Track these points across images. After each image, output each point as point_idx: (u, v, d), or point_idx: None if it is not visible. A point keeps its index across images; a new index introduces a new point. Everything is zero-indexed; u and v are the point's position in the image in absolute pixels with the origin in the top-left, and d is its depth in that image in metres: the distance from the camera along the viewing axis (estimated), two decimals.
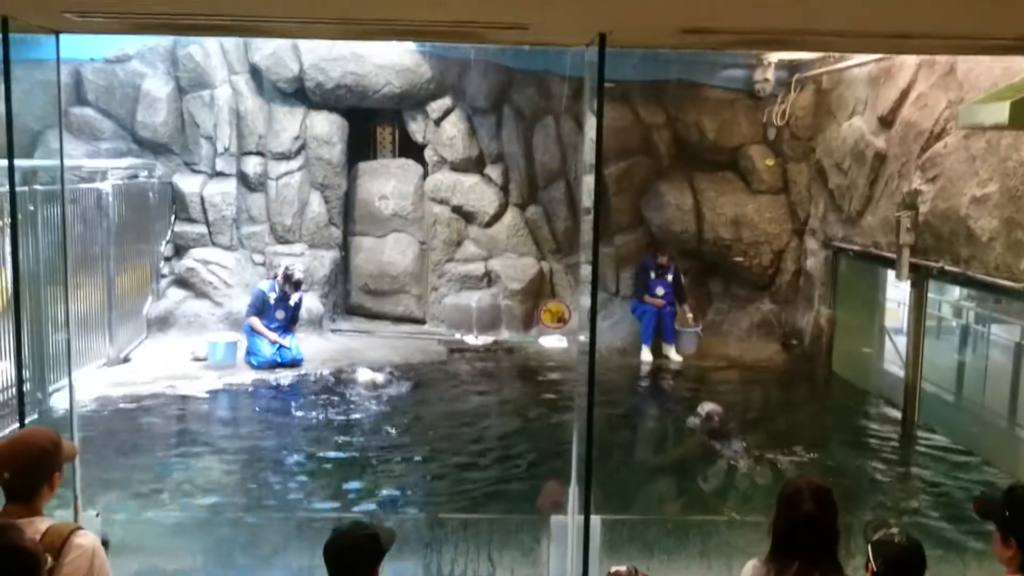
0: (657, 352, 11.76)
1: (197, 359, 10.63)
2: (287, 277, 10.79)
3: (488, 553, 5.40)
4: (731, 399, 9.96)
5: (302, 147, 12.42)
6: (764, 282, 12.54)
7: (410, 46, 12.13)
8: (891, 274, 9.67)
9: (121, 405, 9.14)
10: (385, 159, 13.20)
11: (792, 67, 11.65)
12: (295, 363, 10.64)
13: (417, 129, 12.83)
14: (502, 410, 9.60)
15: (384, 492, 7.15)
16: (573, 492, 4.73)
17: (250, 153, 12.37)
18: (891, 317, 11.19)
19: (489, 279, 12.83)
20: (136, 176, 11.53)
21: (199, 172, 12.37)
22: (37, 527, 3.02)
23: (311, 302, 11.88)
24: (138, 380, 9.87)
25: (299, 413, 9.20)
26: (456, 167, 12.84)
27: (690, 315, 11.97)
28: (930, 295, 9.43)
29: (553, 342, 12.22)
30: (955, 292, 10.12)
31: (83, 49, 11.88)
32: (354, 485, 7.25)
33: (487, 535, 5.43)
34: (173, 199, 12.23)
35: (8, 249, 7.86)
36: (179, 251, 12.27)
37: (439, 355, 11.64)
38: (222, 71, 12.23)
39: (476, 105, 12.69)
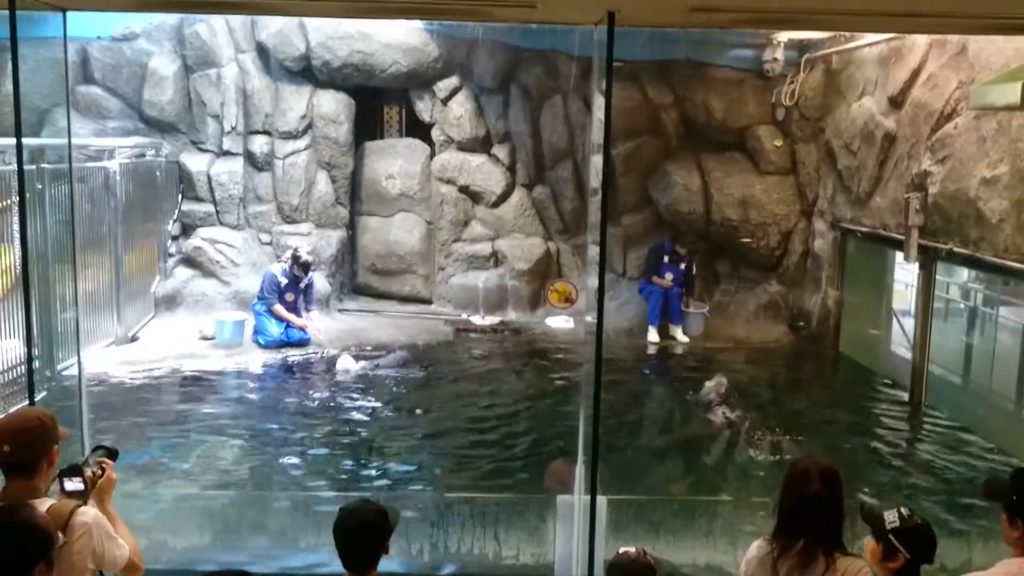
0: (664, 333, 11.76)
1: (204, 338, 10.66)
2: (296, 259, 10.78)
3: (495, 532, 5.43)
4: (737, 379, 9.96)
5: (309, 126, 12.40)
6: (772, 263, 12.52)
7: (417, 25, 12.07)
8: (899, 256, 9.65)
9: (129, 383, 9.19)
10: (392, 138, 13.17)
11: (802, 47, 11.56)
12: (303, 342, 10.67)
13: (424, 108, 12.79)
14: (508, 390, 9.61)
15: (390, 471, 7.19)
16: (579, 472, 4.75)
17: (257, 132, 12.35)
18: (899, 299, 11.17)
19: (496, 259, 12.82)
20: (143, 155, 11.52)
21: (206, 151, 12.35)
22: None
23: (318, 282, 11.87)
24: (146, 359, 9.91)
25: (305, 392, 9.24)
26: (463, 147, 12.80)
27: (695, 307, 11.96)
28: (938, 277, 9.40)
29: (560, 323, 12.23)
30: (964, 274, 10.08)
31: (90, 27, 11.85)
32: (359, 464, 7.28)
33: (493, 514, 5.46)
34: (180, 178, 12.23)
35: (16, 228, 7.91)
36: (186, 230, 12.28)
37: (446, 335, 11.66)
38: (229, 49, 12.19)
39: (483, 84, 12.64)
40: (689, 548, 5.49)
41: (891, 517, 3.13)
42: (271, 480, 6.97)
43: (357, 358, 10.12)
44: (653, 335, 11.69)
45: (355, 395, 9.12)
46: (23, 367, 7.78)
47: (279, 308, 10.66)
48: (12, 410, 4.28)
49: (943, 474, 7.49)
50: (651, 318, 11.74)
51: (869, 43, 10.17)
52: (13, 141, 4.64)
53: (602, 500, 4.60)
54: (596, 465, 4.47)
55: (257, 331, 10.70)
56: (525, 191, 13.02)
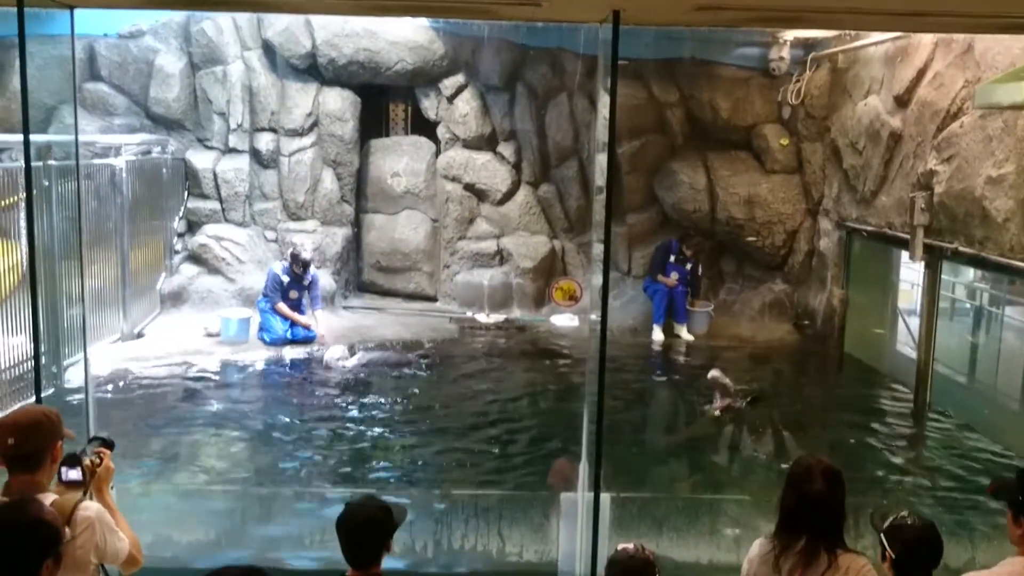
0: (668, 331, 11.76)
1: (210, 335, 10.69)
2: (295, 257, 10.79)
3: (498, 529, 5.44)
4: (742, 378, 9.97)
5: (314, 123, 12.42)
6: (777, 262, 12.51)
7: (423, 23, 12.08)
8: (905, 255, 9.63)
9: (135, 379, 9.22)
10: (398, 136, 13.19)
11: (807, 45, 11.55)
12: (308, 340, 10.70)
13: (430, 106, 12.80)
14: (512, 387, 9.62)
15: (393, 467, 7.21)
16: (583, 469, 4.76)
17: (263, 129, 12.37)
18: (904, 298, 11.15)
19: (501, 257, 12.83)
20: (149, 152, 11.55)
21: (212, 148, 12.38)
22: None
23: (323, 279, 11.89)
24: (151, 355, 9.94)
25: (308, 389, 9.26)
26: (469, 144, 12.81)
27: (700, 306, 11.95)
28: (944, 276, 9.38)
29: (564, 320, 12.23)
30: (969, 273, 10.06)
31: (97, 25, 11.89)
32: (361, 461, 7.30)
33: (497, 511, 5.47)
34: (186, 175, 12.26)
35: (23, 224, 7.93)
36: (192, 227, 12.31)
37: (450, 332, 11.68)
38: (235, 47, 12.21)
39: (489, 82, 12.64)
40: (693, 546, 5.50)
41: (890, 518, 3.16)
42: (274, 477, 6.99)
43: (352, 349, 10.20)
44: (658, 334, 11.69)
45: (358, 392, 9.14)
46: (30, 363, 7.81)
47: (282, 306, 10.69)
48: (17, 406, 4.31)
49: (947, 474, 7.48)
50: (656, 317, 11.74)
51: (875, 42, 10.15)
52: (20, 137, 4.66)
53: (605, 497, 4.61)
54: (600, 462, 4.48)
55: (262, 328, 10.72)
56: (530, 189, 13.02)
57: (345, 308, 12.27)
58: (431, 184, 12.88)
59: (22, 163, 4.61)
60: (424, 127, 13.00)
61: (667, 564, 5.16)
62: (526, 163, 12.96)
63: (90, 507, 3.16)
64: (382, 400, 8.87)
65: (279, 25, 12.02)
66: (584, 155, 12.62)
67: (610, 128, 4.44)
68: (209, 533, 5.49)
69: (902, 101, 9.53)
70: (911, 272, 10.61)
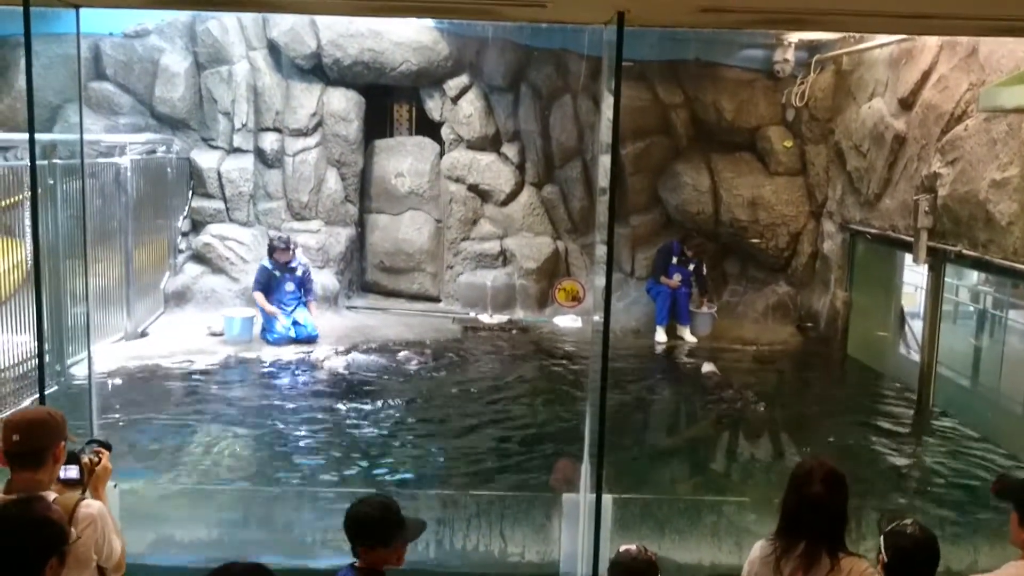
0: (672, 333, 11.75)
1: (213, 334, 10.71)
2: (271, 247, 10.83)
3: (500, 530, 5.44)
4: (745, 380, 9.99)
5: (319, 124, 12.43)
6: (780, 264, 12.50)
7: (428, 23, 12.09)
8: (908, 258, 9.62)
9: (139, 378, 9.23)
10: (402, 136, 13.20)
11: (812, 48, 11.55)
12: (311, 339, 10.71)
13: (434, 107, 12.81)
14: (515, 388, 9.62)
15: (395, 468, 7.22)
16: (585, 470, 4.76)
17: (267, 129, 12.39)
18: (908, 301, 11.14)
19: (504, 258, 12.83)
20: (154, 151, 11.57)
21: (216, 148, 12.40)
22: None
23: (327, 279, 11.92)
24: (155, 354, 9.96)
25: (310, 389, 9.27)
26: (473, 145, 12.82)
27: (704, 307, 11.94)
28: (947, 279, 9.37)
29: (568, 322, 12.24)
30: (973, 276, 10.05)
31: (102, 24, 11.91)
32: (363, 460, 7.31)
33: (499, 512, 5.47)
34: (191, 175, 12.29)
35: (28, 223, 7.96)
36: (196, 226, 12.33)
37: (454, 333, 11.68)
38: (240, 47, 12.23)
39: (493, 83, 12.65)
40: (695, 548, 5.50)
41: (894, 523, 3.17)
42: (273, 477, 6.99)
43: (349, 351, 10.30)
44: (661, 335, 11.69)
45: (360, 394, 9.14)
46: (34, 362, 7.83)
47: (258, 295, 10.75)
48: (29, 401, 4.33)
49: (949, 477, 7.47)
50: (659, 318, 11.74)
51: (879, 44, 10.15)
52: (26, 136, 4.68)
53: (608, 498, 4.61)
54: (602, 463, 4.48)
55: (265, 328, 10.74)
56: (534, 190, 13.03)
57: (348, 308, 12.28)
58: (435, 185, 12.90)
59: (27, 161, 4.61)
60: (428, 128, 13.01)
61: (669, 566, 5.17)
62: (530, 164, 12.97)
63: (92, 504, 3.17)
64: (383, 401, 8.86)
65: (284, 25, 12.04)
66: (588, 156, 12.62)
67: (614, 129, 4.45)
68: (210, 531, 5.50)
69: (906, 104, 9.52)
70: (915, 275, 10.60)
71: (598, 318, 4.78)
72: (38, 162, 8.57)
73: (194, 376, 9.49)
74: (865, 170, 10.55)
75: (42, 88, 11.13)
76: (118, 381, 9.05)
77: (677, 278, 11.70)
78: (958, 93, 8.48)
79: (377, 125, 13.00)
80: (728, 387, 9.46)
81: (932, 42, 8.99)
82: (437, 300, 12.92)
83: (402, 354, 10.32)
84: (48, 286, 8.40)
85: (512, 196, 12.94)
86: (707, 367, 10.21)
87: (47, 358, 8.13)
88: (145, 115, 12.14)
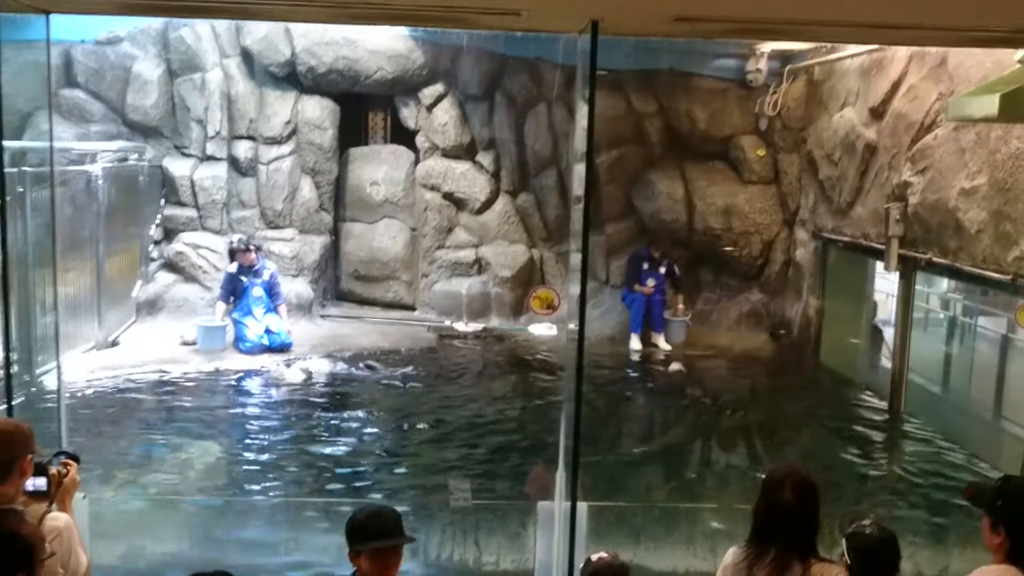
0: (646, 341, 11.79)
1: (186, 343, 10.61)
2: (232, 251, 10.81)
3: (475, 538, 5.43)
4: (718, 387, 10.04)
5: (293, 132, 12.38)
6: (753, 272, 12.58)
7: (402, 32, 12.09)
8: (880, 265, 9.72)
9: (109, 388, 9.13)
10: (377, 145, 13.17)
11: (784, 57, 11.65)
12: (284, 347, 10.63)
13: (409, 115, 12.79)
14: (489, 396, 9.61)
15: (369, 476, 7.18)
16: (560, 479, 4.76)
17: (241, 137, 12.31)
18: (879, 308, 11.25)
19: (479, 266, 12.82)
20: (126, 159, 11.47)
21: (189, 156, 12.31)
22: None
23: (301, 287, 11.86)
24: (126, 364, 9.85)
25: (282, 398, 9.21)
26: (448, 154, 12.81)
27: (681, 306, 11.99)
28: (918, 287, 9.48)
29: (543, 330, 12.24)
30: (943, 284, 10.17)
31: (74, 30, 11.79)
32: (338, 469, 7.27)
33: (473, 521, 5.46)
34: (163, 182, 12.18)
35: None
36: (168, 235, 12.22)
37: (429, 342, 11.65)
38: (213, 54, 12.16)
39: (468, 92, 12.66)
40: (669, 555, 5.51)
41: (854, 525, 3.21)
42: (244, 487, 6.93)
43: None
44: (635, 343, 11.72)
45: (334, 401, 9.10)
46: (1, 372, 7.71)
47: (220, 306, 10.77)
48: None
49: (919, 483, 7.53)
50: (633, 326, 11.77)
51: (851, 54, 10.25)
52: None
53: (582, 507, 4.61)
54: (577, 472, 4.48)
55: (237, 337, 10.66)
56: (509, 198, 13.04)
57: (323, 317, 12.22)
58: (410, 193, 12.87)
59: None
60: (403, 136, 12.99)
61: (644, 573, 5.18)
62: (505, 172, 12.98)
63: (59, 517, 3.12)
64: (356, 412, 8.82)
65: (258, 33, 11.99)
66: (563, 165, 12.64)
67: (588, 138, 4.46)
68: (181, 543, 5.45)
69: (877, 113, 9.63)
70: (886, 282, 10.70)
71: (573, 326, 4.79)
72: (7, 170, 8.47)
73: (163, 386, 9.39)
74: (837, 179, 10.65)
75: (12, 95, 10.86)
76: (88, 391, 8.94)
77: (651, 283, 11.74)
78: (927, 103, 8.58)
79: (352, 133, 12.96)
80: (697, 388, 9.65)
81: (902, 52, 9.10)
82: (412, 308, 12.88)
83: (367, 364, 10.25)
84: (16, 295, 8.27)
85: (487, 204, 12.94)
86: (674, 366, 10.90)
87: (15, 368, 8.02)
88: (117, 122, 12.03)
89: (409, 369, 10.31)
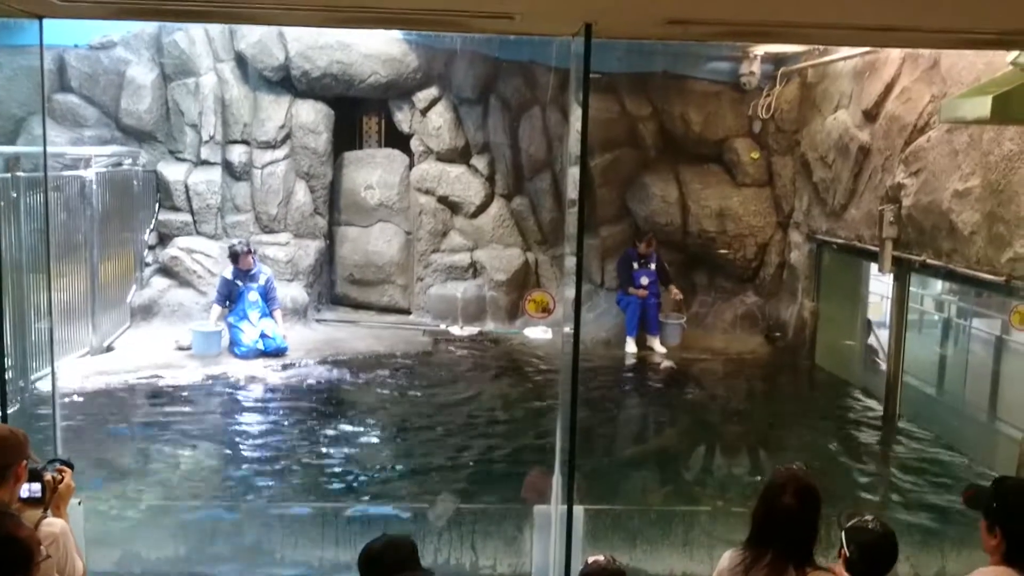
0: (642, 344, 11.80)
1: (181, 348, 10.59)
2: (234, 253, 10.78)
3: (471, 542, 5.42)
4: (714, 390, 10.05)
5: (287, 136, 12.37)
6: (748, 275, 12.60)
7: (396, 35, 12.09)
8: (874, 267, 9.74)
9: (103, 394, 9.10)
10: (371, 149, 13.17)
11: (778, 60, 11.68)
12: (279, 352, 10.62)
13: (403, 119, 12.80)
14: (485, 400, 9.61)
15: (366, 481, 7.17)
16: (556, 482, 4.75)
17: (235, 141, 12.30)
18: (874, 310, 11.27)
19: (475, 270, 12.82)
20: (120, 164, 11.45)
21: (184, 160, 12.29)
22: None
23: (296, 292, 11.84)
24: (121, 369, 9.82)
25: (278, 403, 9.20)
26: (442, 157, 12.81)
27: (679, 296, 11.95)
28: (912, 288, 9.49)
29: (538, 333, 12.24)
30: (937, 286, 10.19)
31: (67, 35, 11.77)
32: (335, 474, 7.26)
33: (470, 524, 5.45)
34: (157, 187, 12.16)
35: None
36: (163, 240, 12.20)
37: (424, 345, 11.64)
38: (207, 59, 12.15)
39: (462, 95, 12.66)
40: (666, 558, 5.50)
41: (854, 519, 3.21)
42: (239, 493, 6.92)
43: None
44: (631, 346, 11.73)
45: (330, 405, 9.09)
46: None
47: (216, 309, 10.72)
48: None
49: (915, 484, 7.55)
50: (629, 329, 11.78)
51: (844, 57, 10.28)
52: None
53: (579, 510, 4.61)
54: (573, 475, 4.48)
55: (233, 341, 10.64)
56: (504, 202, 13.04)
57: (318, 321, 12.20)
58: (404, 197, 12.87)
59: None
60: (398, 140, 12.99)
61: None
62: (499, 176, 12.99)
63: (54, 523, 3.11)
64: (352, 416, 8.82)
65: (252, 37, 11.98)
66: (557, 168, 12.66)
67: (582, 141, 4.46)
68: (176, 549, 5.43)
69: (870, 115, 9.65)
70: (881, 284, 10.72)
71: (568, 329, 4.79)
72: (1, 175, 8.47)
73: (158, 391, 9.37)
74: (831, 181, 10.67)
75: (5, 100, 11.00)
76: (81, 397, 8.92)
77: (644, 282, 11.74)
78: (920, 105, 8.61)
79: (346, 137, 12.96)
80: (693, 390, 9.70)
81: (895, 54, 9.13)
82: (407, 312, 12.87)
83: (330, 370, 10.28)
84: (11, 301, 8.25)
85: (482, 208, 12.95)
86: (665, 363, 11.14)
87: (9, 374, 8.00)
88: (111, 127, 12.01)
89: (404, 373, 10.29)
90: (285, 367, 10.30)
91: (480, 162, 12.94)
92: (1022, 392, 8.23)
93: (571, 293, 4.75)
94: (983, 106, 6.04)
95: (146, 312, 11.56)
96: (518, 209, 13.03)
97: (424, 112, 12.69)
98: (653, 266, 11.85)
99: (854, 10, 3.89)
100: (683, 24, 4.18)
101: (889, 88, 9.27)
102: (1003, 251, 7.23)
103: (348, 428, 8.42)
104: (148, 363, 10.06)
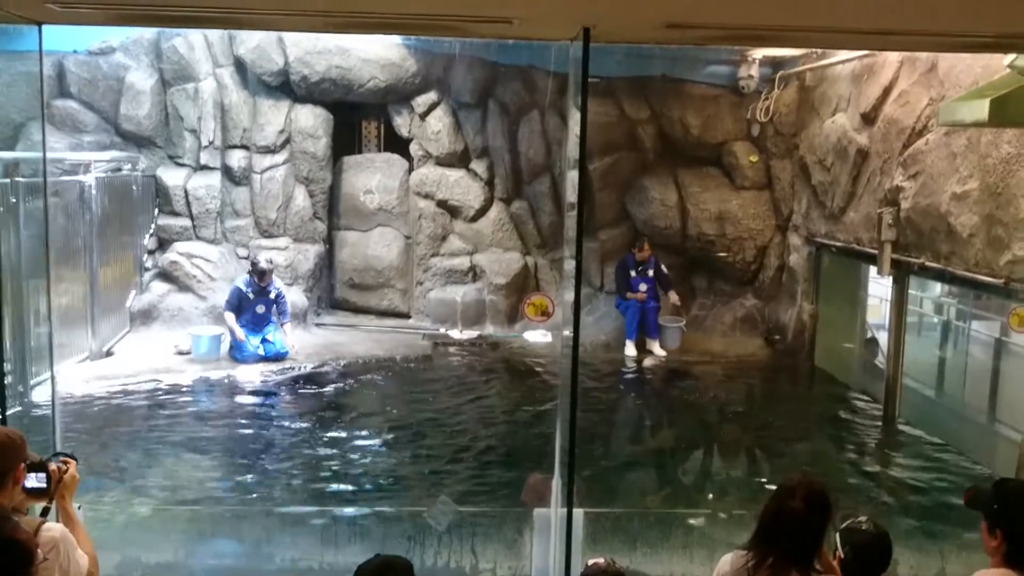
0: (641, 347, 11.80)
1: (181, 353, 10.59)
2: (253, 266, 10.76)
3: (472, 545, 5.42)
4: (713, 393, 10.05)
5: (287, 141, 12.38)
6: (747, 278, 12.61)
7: (395, 40, 12.10)
8: (873, 270, 9.74)
9: (103, 399, 9.10)
10: (370, 153, 13.18)
11: (776, 64, 11.69)
12: (279, 357, 10.62)
13: (402, 123, 12.81)
14: (485, 404, 9.61)
15: (365, 484, 7.17)
16: (556, 485, 4.76)
17: (234, 146, 12.31)
18: (873, 313, 11.27)
19: (474, 274, 12.83)
20: (119, 169, 11.46)
21: (183, 165, 12.30)
22: None
23: (295, 296, 11.85)
24: (121, 374, 9.83)
25: (279, 408, 9.20)
26: (441, 161, 12.83)
27: (677, 302, 11.95)
28: (911, 291, 9.50)
29: (537, 336, 12.24)
30: (936, 288, 10.19)
31: (66, 41, 11.79)
32: (335, 477, 7.26)
33: (470, 528, 5.45)
34: (156, 192, 12.17)
35: None
36: (163, 244, 12.20)
37: (423, 349, 11.65)
38: (206, 64, 12.17)
39: (461, 99, 12.68)
40: (666, 561, 5.50)
41: (848, 520, 3.23)
42: (242, 496, 6.92)
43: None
44: (631, 349, 11.73)
45: (329, 410, 9.09)
46: None
47: (229, 316, 10.62)
48: None
49: (915, 486, 7.55)
50: (628, 332, 11.78)
51: (842, 60, 10.30)
52: None
53: (579, 513, 4.61)
54: (573, 478, 4.48)
55: (233, 346, 10.64)
56: (503, 206, 13.05)
57: (317, 325, 12.21)
58: (404, 201, 12.88)
59: None
60: (397, 144, 13.01)
61: None
62: (499, 180, 13.00)
63: (53, 528, 3.11)
64: (348, 419, 8.82)
65: (251, 42, 12.00)
66: (556, 171, 12.67)
67: (581, 145, 4.47)
68: (177, 553, 5.43)
69: (869, 118, 9.66)
70: (880, 287, 10.73)
71: (568, 333, 4.79)
72: (0, 180, 8.48)
73: (157, 396, 9.37)
74: (829, 184, 10.68)
75: (4, 106, 11.01)
76: (82, 402, 8.91)
77: (643, 287, 11.76)
78: (919, 108, 8.62)
79: (345, 142, 12.97)
80: (693, 393, 9.72)
81: (893, 58, 9.14)
82: (407, 316, 12.88)
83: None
84: (10, 306, 8.26)
85: (481, 212, 12.96)
86: (651, 361, 11.24)
87: (8, 379, 8.01)
88: (110, 133, 12.02)
89: (403, 377, 10.30)
90: (284, 371, 10.31)
91: (479, 166, 12.95)
92: (1022, 394, 8.23)
93: (570, 297, 4.75)
94: (981, 109, 6.05)
95: (145, 317, 11.56)
96: (517, 213, 13.04)
97: (423, 116, 12.71)
98: (651, 272, 11.85)
99: (852, 14, 3.90)
100: (681, 28, 4.18)
101: (887, 91, 9.28)
102: (1001, 253, 7.24)
103: (346, 432, 8.41)
104: (147, 368, 10.07)
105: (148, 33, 12.03)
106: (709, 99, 12.28)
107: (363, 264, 12.75)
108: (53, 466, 3.29)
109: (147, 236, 12.12)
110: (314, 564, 5.44)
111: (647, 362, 11.53)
